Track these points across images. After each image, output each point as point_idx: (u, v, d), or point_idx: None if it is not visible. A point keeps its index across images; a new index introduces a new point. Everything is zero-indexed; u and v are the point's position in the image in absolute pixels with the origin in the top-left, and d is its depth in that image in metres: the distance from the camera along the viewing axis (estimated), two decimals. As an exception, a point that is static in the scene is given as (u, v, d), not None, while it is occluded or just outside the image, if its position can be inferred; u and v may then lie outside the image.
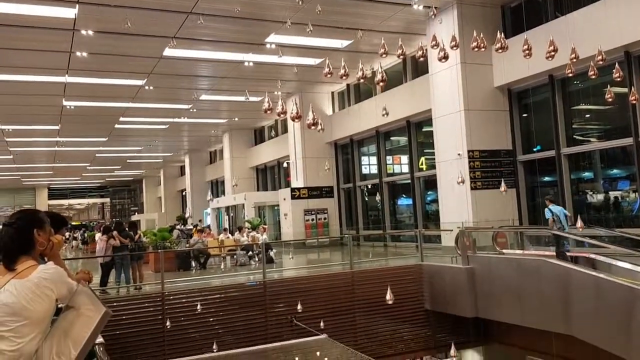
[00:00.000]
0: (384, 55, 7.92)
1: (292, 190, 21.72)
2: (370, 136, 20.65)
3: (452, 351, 6.48)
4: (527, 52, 7.48)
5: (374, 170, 21.06)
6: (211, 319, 10.22)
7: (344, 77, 7.31)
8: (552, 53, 7.42)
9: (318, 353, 8.83)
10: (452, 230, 12.94)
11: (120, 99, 20.70)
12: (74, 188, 55.63)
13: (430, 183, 17.35)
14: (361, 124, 20.13)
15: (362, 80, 7.47)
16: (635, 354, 7.79)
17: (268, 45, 15.38)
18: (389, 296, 7.21)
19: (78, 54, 15.10)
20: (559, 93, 13.60)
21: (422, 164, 18.28)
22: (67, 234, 34.78)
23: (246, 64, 16.89)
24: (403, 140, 19.40)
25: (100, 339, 2.95)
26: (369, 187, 21.56)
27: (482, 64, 14.14)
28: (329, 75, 7.52)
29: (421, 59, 8.03)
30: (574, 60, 8.14)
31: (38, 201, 49.35)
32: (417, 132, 18.40)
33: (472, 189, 13.93)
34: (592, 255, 10.11)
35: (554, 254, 10.66)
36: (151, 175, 47.88)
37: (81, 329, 2.47)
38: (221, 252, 16.94)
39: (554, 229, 11.31)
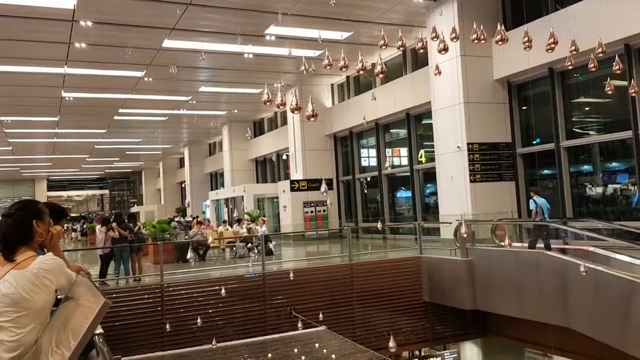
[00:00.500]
0: (383, 47, 7.90)
1: (292, 182, 21.73)
2: (369, 128, 20.63)
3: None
4: (527, 44, 7.46)
5: (373, 162, 21.06)
6: (210, 311, 10.24)
7: (344, 69, 7.29)
8: (552, 45, 7.40)
9: (317, 345, 8.87)
10: (451, 222, 12.96)
11: (120, 91, 20.65)
12: (73, 179, 55.59)
13: (430, 176, 17.35)
14: (360, 116, 20.09)
15: (361, 72, 7.46)
16: (632, 346, 7.82)
17: (268, 37, 15.34)
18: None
19: (77, 45, 15.05)
20: (559, 86, 13.58)
21: (421, 157, 18.28)
22: (66, 225, 34.86)
23: (246, 55, 16.84)
24: (402, 132, 19.39)
25: (99, 330, 2.95)
26: (368, 179, 21.57)
27: (482, 57, 14.11)
28: (328, 67, 7.50)
29: (421, 50, 8.01)
30: (574, 52, 8.12)
31: (37, 192, 49.35)
32: (416, 125, 18.39)
33: (471, 181, 13.93)
34: (591, 248, 10.14)
35: (553, 246, 10.68)
36: (150, 167, 47.86)
37: (80, 319, 2.47)
38: (220, 244, 16.97)
39: (536, 219, 11.55)
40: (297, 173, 22.26)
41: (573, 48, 8.09)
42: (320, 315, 9.93)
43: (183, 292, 10.31)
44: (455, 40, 8.05)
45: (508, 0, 14.46)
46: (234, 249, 16.31)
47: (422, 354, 13.63)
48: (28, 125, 25.98)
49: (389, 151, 20.50)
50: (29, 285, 2.46)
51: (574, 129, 13.71)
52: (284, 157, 25.78)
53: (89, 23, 13.63)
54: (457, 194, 14.16)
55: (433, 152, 15.74)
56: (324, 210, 21.70)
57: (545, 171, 14.64)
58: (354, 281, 11.40)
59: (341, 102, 22.21)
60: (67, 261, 2.85)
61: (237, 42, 14.72)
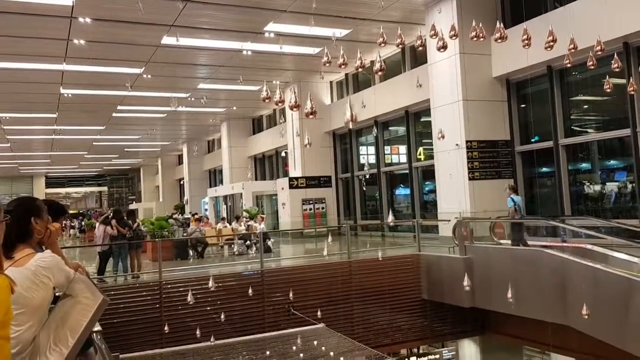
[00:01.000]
0: (382, 45, 7.89)
1: (290, 179, 21.72)
2: (368, 126, 20.62)
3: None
4: (526, 42, 7.45)
5: (372, 160, 21.05)
6: (209, 308, 10.25)
7: (343, 66, 7.28)
8: (551, 43, 7.40)
9: (315, 342, 8.88)
10: (449, 220, 12.97)
11: (118, 87, 20.61)
12: (71, 176, 55.49)
13: (428, 173, 17.36)
14: (359, 114, 20.08)
15: (360, 70, 7.45)
16: (631, 344, 7.84)
17: (267, 34, 15.32)
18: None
19: (76, 41, 15.01)
20: (558, 84, 13.58)
21: (420, 154, 18.28)
22: (64, 222, 34.80)
23: (244, 52, 16.82)
24: (401, 130, 19.38)
25: (97, 327, 2.95)
26: (367, 176, 21.57)
27: (481, 54, 14.11)
28: (327, 64, 7.49)
29: (420, 48, 8.01)
30: (573, 50, 8.12)
31: (35, 189, 49.26)
32: (415, 122, 18.39)
33: (470, 179, 13.94)
34: (589, 246, 10.15)
35: (551, 244, 10.70)
36: (149, 164, 47.82)
37: (79, 316, 2.47)
38: (219, 242, 16.96)
39: (515, 217, 11.64)
40: (295, 170, 22.25)
41: (572, 46, 8.09)
42: (319, 313, 9.93)
43: (181, 289, 10.31)
44: (454, 37, 8.04)
45: (507, -3, 14.46)
46: (233, 246, 16.31)
47: (421, 351, 13.66)
48: (26, 122, 25.92)
49: (387, 148, 20.48)
50: (27, 283, 2.46)
51: (572, 127, 13.72)
52: (283, 154, 25.77)
53: (88, 19, 13.60)
54: (455, 192, 14.16)
55: (432, 149, 15.74)
56: (323, 208, 21.70)
57: (544, 169, 14.64)
58: (352, 279, 11.41)
59: (340, 99, 22.19)
60: (65, 258, 2.85)
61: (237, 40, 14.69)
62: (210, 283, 9.28)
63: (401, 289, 11.74)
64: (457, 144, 14.11)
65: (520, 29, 8.01)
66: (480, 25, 7.82)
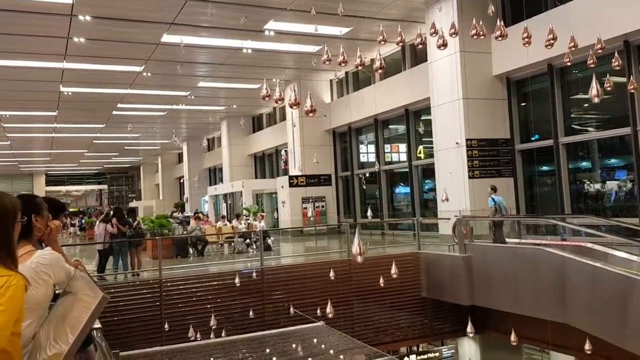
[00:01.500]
0: (382, 43, 7.89)
1: (290, 178, 21.71)
2: (368, 124, 20.63)
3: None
4: (526, 40, 7.45)
5: (372, 158, 21.05)
6: (209, 306, 10.26)
7: (343, 65, 7.28)
8: (552, 41, 7.39)
9: (315, 340, 8.88)
10: (449, 218, 12.97)
11: (118, 86, 20.61)
12: (71, 174, 55.50)
13: (428, 171, 17.36)
14: (360, 112, 20.10)
15: (360, 68, 7.45)
16: (630, 342, 7.84)
17: (267, 32, 15.31)
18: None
19: (75, 39, 15.01)
20: (558, 82, 13.58)
21: (420, 153, 18.28)
22: (64, 220, 34.78)
23: (244, 51, 16.82)
24: (401, 128, 19.38)
25: (97, 324, 2.96)
26: (367, 175, 21.58)
27: (481, 53, 14.10)
28: (327, 62, 7.49)
29: (420, 46, 8.00)
30: (573, 49, 8.11)
31: (35, 187, 49.26)
32: (415, 121, 18.38)
33: (469, 177, 13.94)
34: (589, 245, 10.15)
35: (551, 242, 10.70)
36: (149, 162, 47.80)
37: (79, 313, 2.47)
38: (219, 240, 16.97)
39: (495, 216, 11.80)
40: (295, 169, 22.24)
41: (572, 44, 8.08)
42: (319, 311, 9.94)
43: (181, 287, 10.32)
44: (454, 35, 8.04)
45: (507, -4, 14.46)
46: (233, 244, 16.32)
47: (420, 349, 13.67)
48: (26, 120, 25.93)
49: (387, 147, 20.48)
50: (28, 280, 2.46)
51: (572, 126, 13.71)
52: (283, 152, 25.76)
53: (88, 17, 13.59)
54: (455, 190, 14.16)
55: (432, 148, 15.74)
56: (323, 206, 21.70)
57: (544, 167, 14.64)
58: (352, 277, 11.41)
59: (340, 97, 22.18)
60: (65, 256, 2.86)
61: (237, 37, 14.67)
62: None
63: (401, 287, 11.73)
64: (457, 143, 14.11)
65: (521, 28, 8.01)
66: (481, 23, 7.82)
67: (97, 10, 13.38)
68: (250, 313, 10.09)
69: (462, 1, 13.86)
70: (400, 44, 8.30)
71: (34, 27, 14.03)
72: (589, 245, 10.04)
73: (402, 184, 19.97)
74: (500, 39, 7.49)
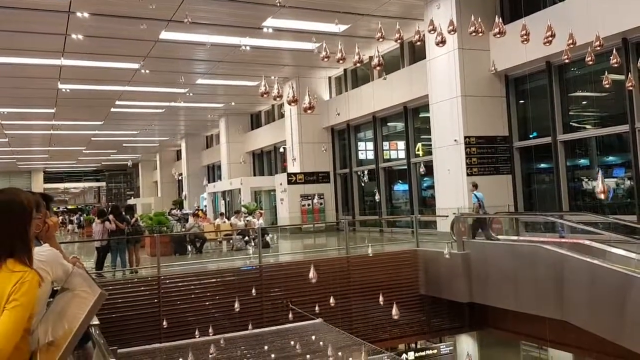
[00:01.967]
0: (381, 40, 7.88)
1: (289, 175, 21.71)
2: (367, 121, 20.63)
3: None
4: (524, 37, 7.45)
5: (371, 155, 21.05)
6: (207, 303, 10.26)
7: (341, 62, 7.27)
8: (550, 38, 7.40)
9: (313, 337, 8.89)
10: (447, 216, 12.98)
11: (116, 83, 20.58)
12: (69, 172, 55.43)
13: (427, 169, 17.35)
14: (358, 110, 20.09)
15: (358, 65, 7.44)
16: (627, 339, 7.86)
17: (265, 29, 15.29)
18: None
19: (74, 36, 14.99)
20: (556, 79, 13.58)
21: (418, 150, 18.28)
22: (62, 217, 34.78)
23: (243, 48, 16.79)
24: (400, 125, 19.38)
25: (95, 321, 2.95)
26: (366, 172, 21.56)
27: (479, 50, 14.10)
28: (326, 60, 7.48)
29: (418, 43, 8.00)
30: (572, 46, 8.12)
31: (34, 185, 49.17)
32: (414, 118, 18.38)
33: (468, 175, 13.95)
34: (587, 242, 10.15)
35: (549, 240, 10.71)
36: (147, 160, 47.75)
37: (76, 310, 2.47)
38: (217, 237, 16.96)
39: (479, 213, 11.99)
40: (294, 166, 22.24)
41: (570, 41, 8.08)
42: (317, 308, 9.95)
43: (180, 284, 10.32)
44: (452, 32, 8.04)
45: (506, -7, 14.45)
46: (231, 241, 16.31)
47: (418, 346, 13.69)
48: (24, 117, 25.89)
49: (386, 144, 20.48)
50: (26, 277, 2.46)
51: (570, 123, 13.72)
52: (281, 150, 25.76)
53: (86, 14, 13.57)
54: (454, 187, 14.18)
55: (430, 145, 15.74)
56: (321, 203, 21.69)
57: (542, 165, 14.65)
58: (350, 274, 11.42)
59: (339, 94, 22.17)
60: (63, 253, 2.85)
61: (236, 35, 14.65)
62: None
63: (399, 284, 11.75)
64: (455, 140, 14.11)
65: (519, 25, 8.00)
66: (479, 20, 7.82)
67: (94, 7, 13.36)
68: (252, 309, 10.10)
69: (461, -1, 13.85)
70: (399, 41, 8.29)
71: (32, 24, 14.00)
72: (587, 242, 10.04)
73: (400, 181, 19.97)
74: (498, 36, 7.49)
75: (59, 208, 52.45)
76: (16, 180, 49.50)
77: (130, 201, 44.66)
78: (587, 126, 13.75)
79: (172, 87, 21.80)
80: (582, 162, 14.15)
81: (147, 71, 18.94)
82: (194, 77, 20.71)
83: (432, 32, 8.07)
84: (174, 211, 26.38)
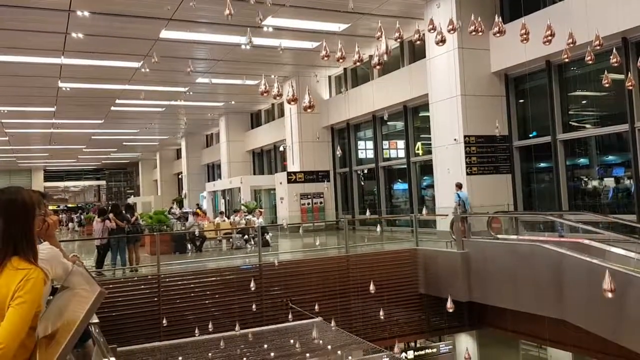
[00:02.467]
0: (381, 39, 7.88)
1: (289, 174, 21.72)
2: (367, 121, 20.63)
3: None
4: (524, 36, 7.44)
5: (370, 154, 21.06)
6: (207, 302, 10.27)
7: (341, 60, 7.27)
8: (550, 38, 7.39)
9: (313, 335, 8.90)
10: (447, 215, 12.99)
11: (117, 81, 20.58)
12: (69, 170, 55.42)
13: (427, 168, 17.37)
14: (358, 109, 20.09)
15: (358, 64, 7.44)
16: (626, 338, 7.87)
17: (265, 28, 15.29)
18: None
19: (74, 35, 14.99)
20: (556, 78, 13.59)
21: (418, 149, 18.29)
22: (62, 215, 34.82)
23: (243, 47, 16.79)
24: (400, 125, 19.38)
25: (95, 319, 2.97)
26: (365, 171, 21.59)
27: (479, 49, 14.10)
28: (325, 58, 7.48)
29: (418, 42, 8.00)
30: (571, 45, 8.11)
31: (34, 183, 49.19)
32: (413, 117, 18.39)
33: (467, 174, 13.96)
34: (586, 241, 10.16)
35: (548, 239, 10.72)
36: (147, 158, 47.76)
37: (76, 308, 2.48)
38: (217, 235, 16.97)
39: (458, 212, 12.02)
40: (294, 165, 22.25)
41: (570, 41, 8.07)
42: (317, 307, 9.96)
43: (179, 282, 10.33)
44: (452, 32, 8.04)
45: (506, -8, 14.44)
46: (231, 240, 16.32)
47: (418, 345, 13.69)
48: (24, 116, 25.89)
49: (385, 143, 20.48)
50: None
51: (570, 122, 13.72)
52: (281, 149, 25.79)
53: (86, 13, 13.57)
54: (453, 187, 14.17)
55: (430, 144, 15.74)
56: (321, 203, 21.70)
57: (542, 164, 14.66)
58: (350, 273, 11.43)
59: (338, 93, 22.17)
60: (63, 251, 2.86)
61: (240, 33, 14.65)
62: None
63: (398, 283, 11.76)
64: (455, 139, 14.12)
65: (519, 25, 7.99)
66: (479, 19, 7.81)
67: (95, 6, 13.36)
68: (252, 307, 10.11)
69: (461, -2, 13.85)
70: (399, 40, 8.29)
71: (32, 22, 14.01)
72: (586, 241, 10.05)
73: (400, 180, 19.98)
74: (498, 35, 7.49)
75: (59, 206, 52.47)
76: (16, 178, 49.50)
77: (130, 200, 44.67)
78: (587, 125, 13.76)
79: (173, 85, 21.79)
80: (582, 161, 14.16)
81: (147, 70, 18.93)
82: (194, 76, 20.71)
83: (432, 31, 8.07)
84: (173, 210, 26.39)
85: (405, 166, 18.49)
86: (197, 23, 14.89)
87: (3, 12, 13.18)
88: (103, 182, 58.17)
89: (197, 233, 15.82)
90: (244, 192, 25.29)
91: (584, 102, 14.14)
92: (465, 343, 13.39)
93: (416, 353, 13.24)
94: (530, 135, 14.65)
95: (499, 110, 14.58)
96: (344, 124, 21.66)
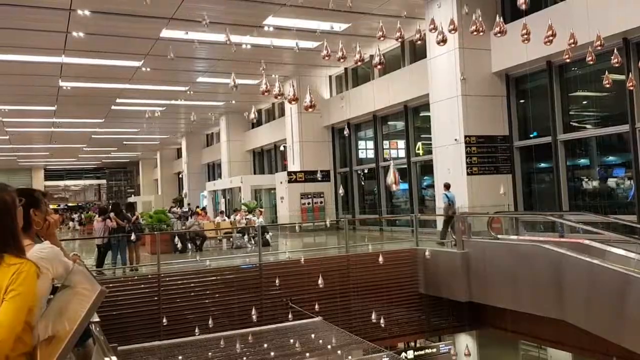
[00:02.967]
0: (382, 39, 7.89)
1: (289, 173, 21.71)
2: (367, 120, 20.62)
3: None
4: (525, 36, 7.44)
5: (371, 154, 21.05)
6: (207, 301, 10.27)
7: (342, 60, 7.28)
8: (551, 38, 7.39)
9: (313, 335, 8.90)
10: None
11: (117, 80, 20.58)
12: (70, 169, 55.48)
13: (427, 168, 17.36)
14: (358, 108, 20.09)
15: (359, 64, 7.44)
16: (626, 338, 7.87)
17: (266, 28, 15.28)
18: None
19: (74, 34, 14.98)
20: (557, 79, 13.58)
21: (419, 149, 18.29)
22: (61, 213, 34.81)
23: (244, 46, 16.78)
24: (400, 125, 19.38)
25: (96, 318, 2.96)
26: (365, 171, 21.58)
27: (480, 49, 14.09)
28: (327, 58, 7.48)
29: (419, 42, 8.01)
30: (572, 45, 8.11)
31: (34, 182, 49.23)
32: (414, 117, 18.38)
33: (468, 174, 13.96)
34: (586, 241, 10.16)
35: (549, 239, 10.72)
36: (148, 158, 47.76)
37: (77, 307, 2.48)
38: (217, 235, 16.97)
39: (449, 212, 12.44)
40: (294, 165, 22.25)
41: (572, 41, 8.08)
42: (317, 306, 9.96)
43: (179, 282, 10.33)
44: (453, 32, 8.04)
45: (507, -8, 14.43)
46: (231, 239, 16.32)
47: (417, 345, 13.70)
48: (25, 115, 25.88)
49: (386, 143, 20.48)
50: (26, 274, 2.46)
51: (571, 123, 13.72)
52: (282, 148, 25.80)
53: (87, 12, 13.57)
54: (454, 187, 14.17)
55: (430, 144, 15.74)
56: (321, 202, 21.70)
57: (542, 164, 14.66)
58: (350, 272, 11.43)
59: (339, 93, 22.17)
60: (64, 250, 2.86)
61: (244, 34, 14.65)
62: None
63: (398, 283, 11.76)
64: (455, 139, 14.12)
65: (520, 25, 8.00)
66: (480, 19, 7.81)
67: (95, 5, 13.36)
68: (253, 310, 10.11)
69: (462, -2, 13.84)
70: (400, 39, 8.29)
71: (33, 21, 14.01)
72: (587, 242, 10.05)
73: (400, 180, 19.94)
74: (499, 35, 7.49)
75: (59, 205, 52.48)
76: (16, 177, 49.53)
77: (131, 199, 44.68)
78: (588, 126, 13.75)
79: (173, 85, 21.79)
80: (582, 161, 14.15)
81: (148, 69, 18.94)
82: (195, 75, 20.70)
83: (433, 30, 8.07)
84: (174, 209, 26.40)
85: (406, 166, 18.49)
86: (198, 22, 14.86)
87: (4, 11, 13.17)
88: (103, 181, 58.19)
89: (198, 228, 15.83)
90: (244, 191, 25.30)
91: (584, 102, 14.13)
92: (465, 343, 13.40)
93: (416, 353, 13.24)
94: (531, 136, 14.65)
95: (500, 111, 14.58)
96: (345, 124, 21.64)
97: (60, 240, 3.22)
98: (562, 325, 9.16)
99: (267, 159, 29.38)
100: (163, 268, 10.62)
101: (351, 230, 18.56)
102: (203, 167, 37.47)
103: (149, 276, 10.51)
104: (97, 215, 13.55)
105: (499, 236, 11.68)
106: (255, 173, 29.76)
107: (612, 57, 8.65)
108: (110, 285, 9.80)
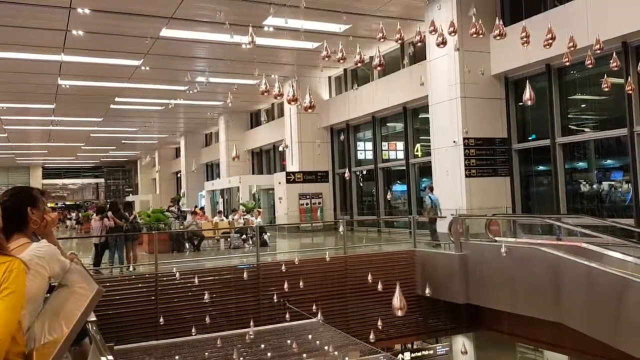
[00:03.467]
0: (382, 40, 7.89)
1: (287, 174, 21.71)
2: (366, 122, 20.63)
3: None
4: (525, 39, 7.45)
5: (370, 155, 21.05)
6: (204, 301, 10.25)
7: (342, 61, 7.28)
8: (550, 41, 7.40)
9: (310, 336, 8.90)
10: (445, 217, 12.99)
11: (116, 79, 20.56)
12: (68, 168, 55.42)
13: (425, 170, 17.37)
14: (357, 110, 20.09)
15: (359, 65, 7.45)
16: (623, 342, 7.87)
17: (266, 28, 15.28)
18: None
19: (74, 32, 14.97)
20: (556, 82, 13.60)
21: (417, 151, 18.29)
22: (60, 212, 34.77)
23: (243, 46, 16.76)
24: (399, 126, 19.39)
25: (92, 317, 2.95)
26: (364, 172, 21.58)
27: (479, 52, 14.10)
28: (326, 59, 7.48)
29: (419, 44, 8.01)
30: (572, 49, 8.12)
31: (32, 180, 49.19)
32: (413, 119, 18.39)
33: (466, 176, 13.97)
34: (584, 245, 10.16)
35: (546, 242, 10.72)
36: (146, 157, 47.73)
37: (73, 306, 2.47)
38: (215, 235, 16.96)
39: (430, 214, 12.69)
40: (292, 165, 22.24)
41: (571, 44, 8.09)
42: (314, 307, 9.95)
43: (177, 281, 10.32)
44: (453, 34, 8.04)
45: (507, -5, 14.45)
46: (229, 239, 16.30)
47: (415, 347, 13.70)
48: (24, 113, 25.86)
49: (385, 145, 20.48)
50: (23, 272, 2.46)
51: (569, 126, 13.73)
52: (280, 148, 25.78)
53: (87, 10, 13.56)
54: (452, 189, 14.19)
55: (429, 146, 15.74)
56: (319, 203, 21.70)
57: (541, 167, 14.67)
58: (348, 273, 11.43)
59: (338, 94, 22.17)
60: (61, 249, 2.85)
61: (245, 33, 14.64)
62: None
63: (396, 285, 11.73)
64: (454, 141, 14.12)
65: (519, 28, 8.00)
66: (480, 21, 7.82)
67: (95, 3, 13.35)
68: (249, 307, 10.10)
69: (462, 0, 13.84)
70: (399, 41, 8.30)
71: (33, 19, 14.00)
72: (584, 245, 10.05)
73: (399, 182, 19.98)
74: (498, 37, 7.49)
75: (57, 204, 52.43)
76: (15, 175, 49.50)
77: (129, 198, 44.63)
78: (586, 129, 13.77)
79: (172, 84, 21.77)
80: (581, 165, 14.17)
81: (148, 68, 18.92)
82: (194, 75, 20.69)
83: (433, 32, 8.08)
84: (172, 208, 26.37)
85: (404, 168, 18.49)
86: (198, 22, 14.88)
87: (3, 8, 13.16)
88: (102, 180, 58.14)
89: (196, 228, 15.81)
90: (242, 191, 25.27)
91: (583, 105, 14.14)
92: (462, 345, 13.40)
93: (413, 354, 13.24)
94: (530, 138, 14.66)
95: (499, 113, 14.59)
96: (344, 125, 21.65)
97: (57, 238, 3.21)
98: (559, 328, 9.16)
99: (266, 159, 29.36)
100: (160, 267, 10.60)
101: (349, 231, 18.56)
102: (202, 167, 37.42)
103: (146, 275, 10.50)
104: (94, 214, 13.52)
105: (497, 238, 11.68)
106: (253, 173, 29.73)
107: (611, 61, 8.67)
108: (108, 284, 9.79)
